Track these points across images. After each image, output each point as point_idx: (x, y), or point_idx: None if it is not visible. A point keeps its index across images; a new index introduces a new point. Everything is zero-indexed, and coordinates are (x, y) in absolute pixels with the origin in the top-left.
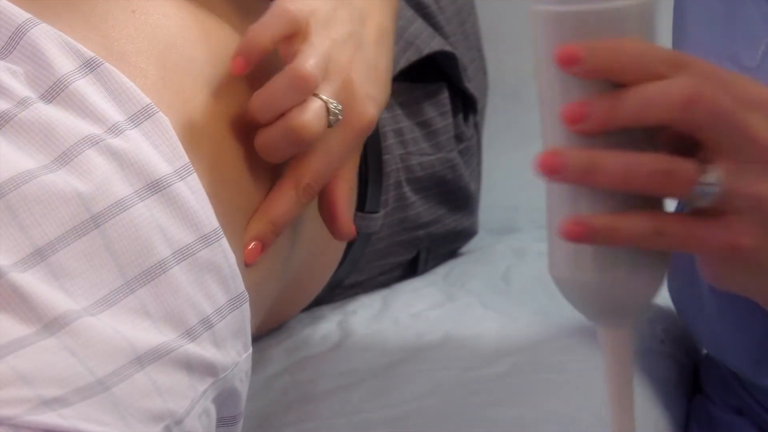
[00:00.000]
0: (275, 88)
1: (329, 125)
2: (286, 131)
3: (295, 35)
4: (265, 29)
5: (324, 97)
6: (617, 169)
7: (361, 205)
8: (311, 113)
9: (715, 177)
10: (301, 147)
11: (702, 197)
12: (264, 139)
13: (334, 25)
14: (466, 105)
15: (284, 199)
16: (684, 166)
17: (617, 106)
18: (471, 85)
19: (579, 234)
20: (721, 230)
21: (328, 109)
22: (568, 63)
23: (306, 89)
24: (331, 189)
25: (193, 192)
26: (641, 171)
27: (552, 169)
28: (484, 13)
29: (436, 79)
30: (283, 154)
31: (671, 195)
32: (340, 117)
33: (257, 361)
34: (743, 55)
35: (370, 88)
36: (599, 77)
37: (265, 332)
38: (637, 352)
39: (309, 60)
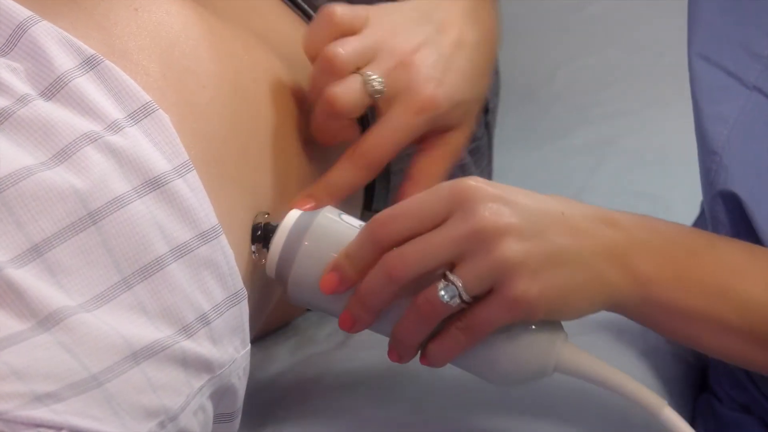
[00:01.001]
0: (313, 70)
1: (371, 97)
2: (322, 105)
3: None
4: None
5: (365, 73)
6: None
7: (368, 203)
8: (343, 86)
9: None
10: (339, 118)
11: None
12: (312, 121)
13: (396, 22)
14: None
15: (341, 165)
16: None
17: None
18: None
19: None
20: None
21: (367, 84)
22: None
23: (332, 68)
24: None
25: (192, 189)
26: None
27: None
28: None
29: None
30: (328, 132)
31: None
32: (382, 89)
33: (263, 358)
34: (755, 43)
35: (436, 73)
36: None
37: (272, 330)
38: (643, 352)
39: (343, 44)
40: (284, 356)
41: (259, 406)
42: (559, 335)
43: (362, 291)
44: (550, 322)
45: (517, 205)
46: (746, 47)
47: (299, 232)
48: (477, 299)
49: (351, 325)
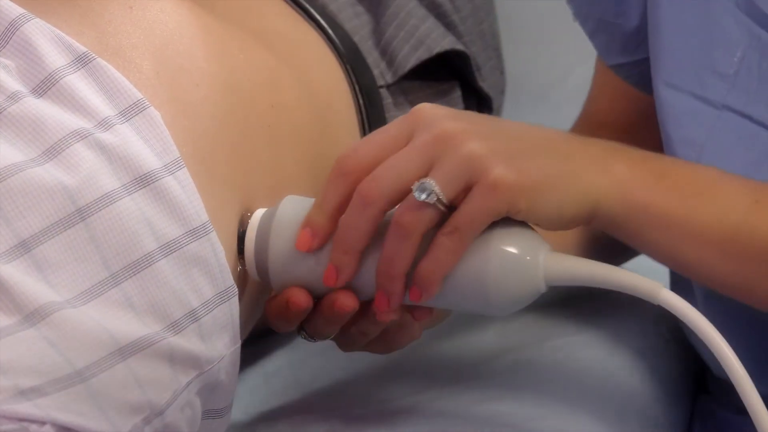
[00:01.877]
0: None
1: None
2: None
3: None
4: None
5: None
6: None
7: None
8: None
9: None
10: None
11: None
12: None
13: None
14: (481, 104)
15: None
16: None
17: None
18: (485, 84)
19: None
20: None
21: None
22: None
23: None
24: None
25: (183, 186)
26: None
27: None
28: (510, 15)
29: (449, 77)
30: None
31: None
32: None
33: (259, 356)
34: (720, 63)
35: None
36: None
37: (268, 329)
38: (641, 350)
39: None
40: (280, 353)
41: (251, 402)
42: (542, 247)
43: (341, 231)
44: (530, 239)
45: (472, 116)
46: (711, 68)
47: (266, 223)
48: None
49: (336, 276)
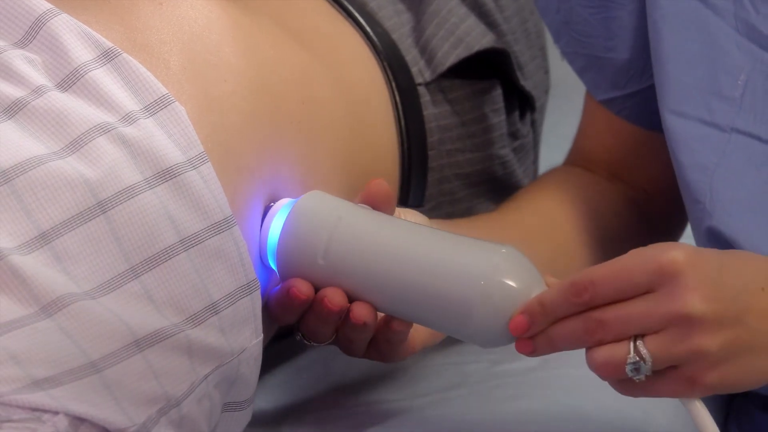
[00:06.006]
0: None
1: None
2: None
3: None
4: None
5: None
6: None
7: (405, 198)
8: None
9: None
10: None
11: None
12: None
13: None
14: (523, 103)
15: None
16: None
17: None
18: (528, 83)
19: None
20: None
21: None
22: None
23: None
24: None
25: (206, 181)
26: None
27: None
28: None
29: (489, 76)
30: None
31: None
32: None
33: (291, 349)
34: (726, 87)
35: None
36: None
37: None
38: None
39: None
40: (312, 350)
41: (281, 395)
42: (538, 285)
43: (554, 334)
44: (530, 273)
45: (722, 287)
46: (718, 93)
47: (285, 212)
48: None
49: (530, 352)
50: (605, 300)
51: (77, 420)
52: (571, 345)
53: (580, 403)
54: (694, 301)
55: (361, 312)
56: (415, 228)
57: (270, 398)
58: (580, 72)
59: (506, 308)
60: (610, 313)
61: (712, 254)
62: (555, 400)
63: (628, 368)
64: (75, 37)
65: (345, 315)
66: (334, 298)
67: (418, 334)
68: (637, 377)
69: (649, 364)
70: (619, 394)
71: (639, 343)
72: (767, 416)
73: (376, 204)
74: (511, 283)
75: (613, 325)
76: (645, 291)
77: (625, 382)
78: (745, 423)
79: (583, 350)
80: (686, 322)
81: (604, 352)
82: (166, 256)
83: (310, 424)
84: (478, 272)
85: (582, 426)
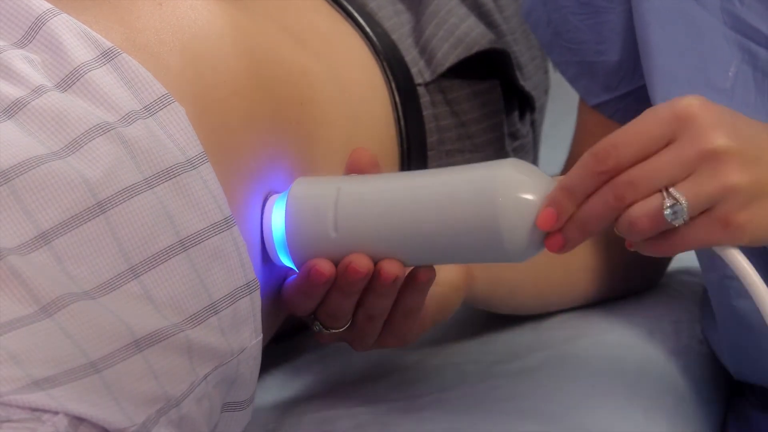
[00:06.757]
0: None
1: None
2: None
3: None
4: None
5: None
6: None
7: None
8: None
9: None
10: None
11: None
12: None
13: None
14: (523, 103)
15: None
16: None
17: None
18: (528, 83)
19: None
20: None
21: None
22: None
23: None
24: None
25: (205, 181)
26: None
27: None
28: None
29: (489, 76)
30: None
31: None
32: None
33: (291, 350)
34: (716, 78)
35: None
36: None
37: (300, 326)
38: (675, 351)
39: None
40: (312, 348)
41: (280, 395)
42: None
43: (584, 215)
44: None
45: (741, 129)
46: (708, 84)
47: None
48: None
49: (561, 246)
50: (629, 161)
51: (77, 420)
52: (602, 220)
53: (580, 403)
54: (716, 136)
55: (390, 268)
56: (412, 173)
57: (270, 398)
58: (573, 80)
59: (530, 212)
60: (637, 171)
61: (722, 105)
62: (554, 401)
63: (666, 213)
64: (74, 37)
65: (367, 287)
66: (361, 261)
67: (428, 310)
68: (677, 221)
69: (685, 205)
70: (619, 396)
71: (671, 189)
72: (764, 417)
73: (362, 169)
74: (526, 188)
75: (643, 182)
76: (667, 143)
77: (661, 240)
78: (743, 423)
79: (583, 350)
80: (713, 158)
81: (640, 207)
82: (166, 256)
83: (310, 424)
84: (492, 189)
85: (582, 426)
